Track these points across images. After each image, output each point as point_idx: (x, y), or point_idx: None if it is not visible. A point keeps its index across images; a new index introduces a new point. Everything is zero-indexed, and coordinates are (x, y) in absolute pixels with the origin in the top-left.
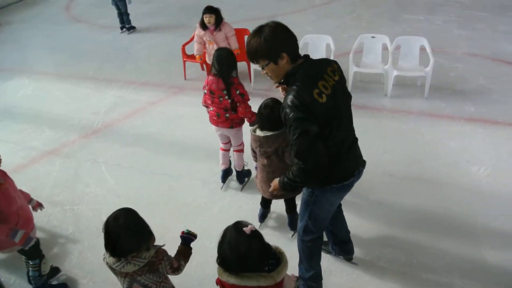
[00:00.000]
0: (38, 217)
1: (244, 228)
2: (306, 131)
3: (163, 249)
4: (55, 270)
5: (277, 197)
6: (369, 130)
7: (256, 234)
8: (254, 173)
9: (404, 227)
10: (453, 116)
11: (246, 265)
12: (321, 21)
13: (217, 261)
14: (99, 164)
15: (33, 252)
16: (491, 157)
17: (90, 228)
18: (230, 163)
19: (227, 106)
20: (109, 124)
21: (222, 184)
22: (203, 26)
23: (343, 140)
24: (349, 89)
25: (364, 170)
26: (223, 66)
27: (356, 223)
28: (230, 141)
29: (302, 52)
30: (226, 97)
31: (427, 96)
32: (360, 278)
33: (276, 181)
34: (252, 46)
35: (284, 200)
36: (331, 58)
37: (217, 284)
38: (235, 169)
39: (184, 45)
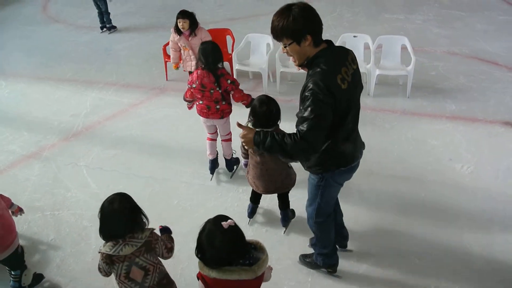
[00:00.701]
0: (17, 223)
1: (222, 223)
2: (322, 116)
3: (153, 230)
4: (39, 277)
5: (271, 192)
6: None
7: (233, 229)
8: (241, 169)
9: (390, 225)
10: (435, 114)
11: (222, 258)
12: None
13: (196, 253)
14: (80, 168)
15: (15, 262)
16: (473, 154)
17: (72, 234)
18: (217, 154)
19: (218, 97)
20: (89, 126)
21: (211, 175)
22: (178, 31)
23: (353, 127)
24: None
25: None
26: (209, 59)
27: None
28: (216, 131)
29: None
30: (217, 89)
31: (409, 95)
32: (347, 278)
33: (249, 133)
34: (279, 24)
35: (278, 197)
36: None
37: (198, 279)
38: (224, 158)
39: (165, 46)
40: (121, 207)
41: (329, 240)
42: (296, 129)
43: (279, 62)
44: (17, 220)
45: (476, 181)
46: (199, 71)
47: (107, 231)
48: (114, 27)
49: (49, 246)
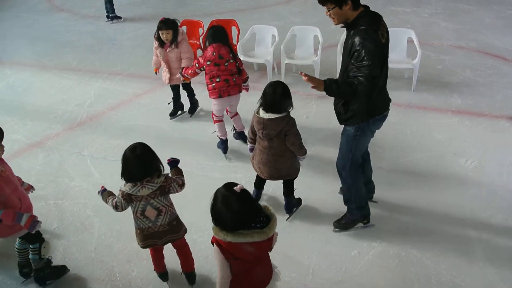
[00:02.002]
0: None
1: (234, 188)
2: (376, 62)
3: (168, 175)
4: (62, 269)
5: (275, 178)
6: None
7: (246, 192)
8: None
9: (392, 219)
10: (440, 109)
11: (240, 221)
12: (308, 13)
13: (212, 221)
14: (84, 158)
15: (34, 235)
16: (477, 149)
17: (75, 223)
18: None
19: (233, 70)
20: (94, 116)
21: (224, 156)
22: (159, 40)
23: (385, 80)
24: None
25: None
26: (222, 35)
27: None
28: (223, 113)
29: (289, 43)
30: (232, 61)
31: (414, 89)
32: (349, 271)
33: (317, 80)
34: None
35: (283, 183)
36: (319, 50)
37: (212, 243)
38: (237, 131)
39: None
40: (140, 154)
41: (361, 191)
42: (354, 77)
43: (284, 53)
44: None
45: (480, 176)
46: (213, 45)
47: (127, 174)
48: (118, 17)
49: (52, 234)
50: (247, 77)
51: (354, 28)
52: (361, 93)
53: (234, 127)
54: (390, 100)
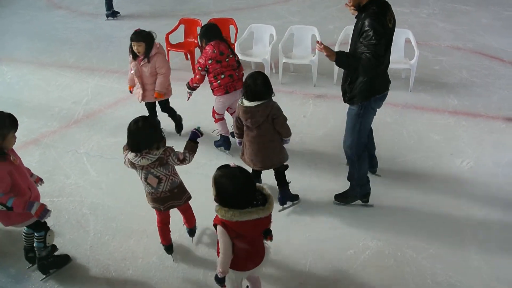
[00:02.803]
0: None
1: (231, 165)
2: (382, 42)
3: (170, 147)
4: (65, 259)
5: (268, 167)
6: None
7: (241, 168)
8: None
9: (389, 219)
10: (437, 109)
11: (247, 193)
12: (306, 12)
13: (219, 204)
14: (80, 155)
15: (39, 224)
16: (474, 150)
17: (71, 221)
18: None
19: (234, 64)
20: (91, 114)
21: (226, 152)
22: (133, 53)
23: (388, 62)
24: (334, 81)
25: None
26: (217, 33)
27: (340, 215)
28: (224, 112)
29: (287, 42)
30: (231, 55)
31: (411, 89)
32: (345, 271)
33: (331, 50)
34: None
35: (276, 175)
36: (317, 50)
37: (215, 227)
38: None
39: (167, 34)
40: (143, 126)
41: (365, 170)
42: (362, 53)
43: (282, 53)
44: None
45: (475, 177)
46: (211, 43)
47: (129, 145)
48: (113, 16)
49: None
50: (243, 74)
51: (365, 11)
52: (367, 68)
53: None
54: (390, 81)
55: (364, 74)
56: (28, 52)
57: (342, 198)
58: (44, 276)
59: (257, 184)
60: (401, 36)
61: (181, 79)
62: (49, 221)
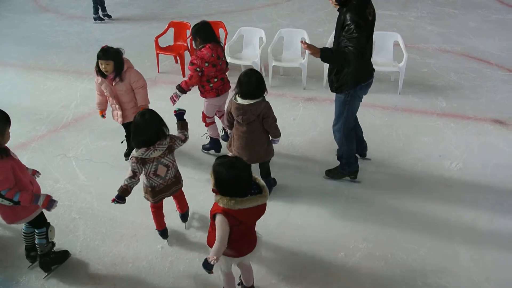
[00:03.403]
0: None
1: (229, 154)
2: (363, 35)
3: (172, 134)
4: (65, 254)
5: (254, 161)
6: None
7: (238, 157)
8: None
9: (379, 221)
10: (426, 111)
11: (244, 184)
12: (295, 15)
13: (220, 193)
14: (69, 159)
15: (40, 221)
16: (462, 151)
17: (60, 225)
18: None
19: (224, 67)
20: (79, 117)
21: (217, 152)
22: (100, 73)
23: (370, 52)
24: (324, 84)
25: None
26: (212, 33)
27: (331, 218)
28: (214, 114)
29: (276, 45)
30: (224, 58)
31: (400, 91)
32: (336, 273)
33: (315, 48)
34: None
35: (260, 166)
36: (306, 52)
37: (214, 217)
38: (226, 131)
39: (157, 37)
40: (151, 118)
41: (352, 150)
42: (345, 47)
43: (272, 56)
44: None
45: (464, 178)
46: (208, 45)
47: (139, 140)
48: (101, 19)
49: None
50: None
51: (346, 5)
52: (351, 60)
53: (223, 128)
54: (373, 70)
55: (349, 66)
56: (15, 55)
57: (332, 174)
58: (46, 273)
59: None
60: (389, 39)
61: (171, 82)
62: None
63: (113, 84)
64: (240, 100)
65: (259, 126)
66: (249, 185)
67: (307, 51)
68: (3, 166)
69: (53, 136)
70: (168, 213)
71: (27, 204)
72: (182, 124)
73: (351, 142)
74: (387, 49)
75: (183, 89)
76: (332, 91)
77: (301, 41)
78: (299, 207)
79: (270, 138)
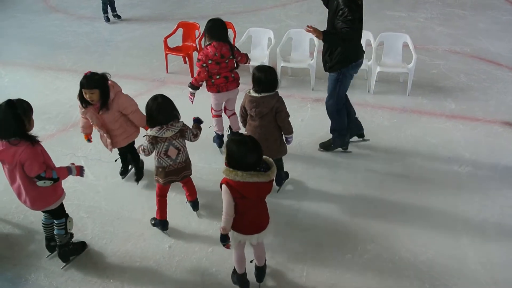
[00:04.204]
0: (14, 213)
1: (239, 132)
2: (357, 17)
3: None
4: (82, 245)
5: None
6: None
7: (251, 136)
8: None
9: (386, 223)
10: (435, 113)
11: (250, 160)
12: (304, 16)
13: (226, 163)
14: (78, 159)
15: (59, 212)
16: (471, 154)
17: None
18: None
19: (233, 66)
20: None
21: (219, 150)
22: (82, 100)
23: (360, 34)
24: None
25: (347, 165)
26: (222, 31)
27: (339, 219)
28: (222, 108)
29: (285, 46)
30: (231, 57)
31: (409, 93)
32: (342, 275)
33: (318, 31)
34: None
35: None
36: (315, 53)
37: (220, 186)
38: (232, 130)
39: (166, 38)
40: (164, 101)
41: (344, 123)
42: (341, 28)
43: (280, 57)
44: (14, 210)
45: (473, 181)
46: (214, 44)
47: (153, 120)
48: (108, 20)
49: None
50: (247, 58)
51: None
52: (348, 39)
53: (230, 126)
54: (364, 51)
55: (344, 45)
56: (25, 55)
57: (326, 146)
58: (65, 264)
59: (263, 156)
60: (398, 40)
61: (180, 82)
62: None
63: (100, 113)
64: (253, 93)
65: (272, 120)
66: (258, 163)
67: (315, 52)
68: (37, 150)
69: (62, 135)
70: (174, 213)
71: (65, 177)
72: (197, 126)
73: (342, 116)
74: (396, 50)
75: (193, 86)
76: (326, 70)
77: (308, 26)
78: (307, 208)
79: (283, 136)
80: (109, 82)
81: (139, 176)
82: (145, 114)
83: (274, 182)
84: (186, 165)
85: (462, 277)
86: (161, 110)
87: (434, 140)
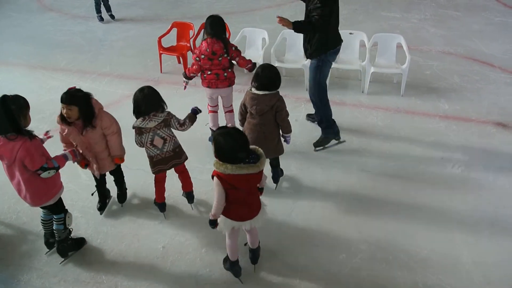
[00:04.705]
0: (6, 213)
1: (228, 125)
2: (328, 6)
3: (171, 112)
4: (81, 241)
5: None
6: (346, 126)
7: (241, 131)
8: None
9: (380, 223)
10: (428, 113)
11: (238, 152)
12: (298, 17)
13: (216, 157)
14: None
15: (59, 206)
16: (464, 154)
17: None
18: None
19: (226, 64)
20: None
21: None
22: (64, 120)
23: (336, 23)
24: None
25: (341, 165)
26: (219, 28)
27: (332, 219)
28: (217, 104)
29: (279, 46)
30: (225, 55)
31: (403, 93)
32: (336, 275)
33: (288, 21)
34: None
35: (270, 158)
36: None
37: (212, 178)
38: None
39: (160, 38)
40: (148, 92)
41: (329, 113)
42: (312, 16)
43: (274, 57)
44: (6, 210)
45: (466, 181)
46: (208, 39)
47: (137, 110)
48: (102, 19)
49: (38, 236)
50: (253, 64)
51: None
52: (317, 27)
53: (226, 124)
54: (341, 40)
55: (317, 32)
56: (19, 55)
57: (320, 143)
58: (63, 259)
59: (252, 147)
60: (392, 41)
61: (174, 82)
62: (39, 225)
63: (83, 134)
64: (255, 91)
65: (272, 119)
66: (244, 154)
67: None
68: (36, 144)
69: (56, 135)
70: (168, 214)
71: (63, 165)
72: (190, 115)
73: (326, 104)
74: (390, 51)
75: (186, 75)
76: (307, 57)
77: (277, 16)
78: (301, 208)
79: (281, 135)
80: (91, 98)
81: (122, 198)
82: (121, 144)
83: (271, 180)
84: (175, 154)
85: (456, 277)
86: (146, 101)
87: (428, 141)
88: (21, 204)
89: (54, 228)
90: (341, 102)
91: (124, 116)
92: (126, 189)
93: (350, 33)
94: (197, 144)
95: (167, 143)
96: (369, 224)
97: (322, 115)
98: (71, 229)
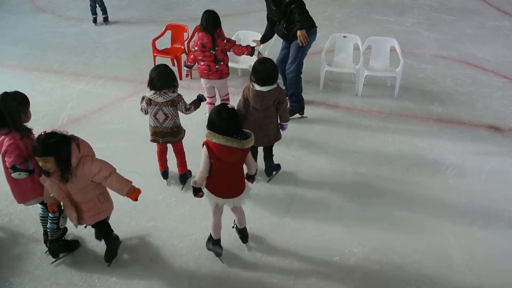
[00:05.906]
0: None
1: (228, 104)
2: (303, 4)
3: (181, 95)
4: (74, 244)
5: (263, 144)
6: (339, 129)
7: (234, 110)
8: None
9: (374, 225)
10: (422, 116)
11: (226, 126)
12: None
13: (207, 127)
14: None
15: None
16: (457, 157)
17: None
18: None
19: (219, 56)
20: (75, 119)
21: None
22: (43, 171)
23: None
24: (321, 88)
25: (335, 168)
26: (210, 22)
27: (326, 222)
28: (215, 95)
29: (274, 48)
30: (217, 48)
31: (396, 97)
32: (330, 277)
33: (303, 34)
34: None
35: (264, 150)
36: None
37: (203, 145)
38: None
39: (154, 40)
40: (163, 70)
41: (300, 89)
42: (302, 12)
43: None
44: None
45: (459, 184)
46: (200, 33)
47: (151, 84)
48: (96, 21)
49: (30, 239)
50: (251, 49)
51: None
52: (305, 13)
53: None
54: (315, 24)
55: (304, 17)
56: (12, 56)
57: (288, 115)
58: (54, 260)
59: (245, 130)
60: (386, 44)
61: None
62: (31, 228)
63: (66, 185)
64: (258, 87)
65: (274, 111)
66: (235, 130)
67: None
68: (19, 144)
69: None
70: (162, 217)
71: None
72: (196, 102)
73: (299, 82)
74: (384, 54)
75: (185, 64)
76: (289, 42)
77: (299, 42)
78: (294, 210)
79: (280, 123)
80: (76, 142)
81: (109, 256)
82: (125, 178)
83: (264, 173)
84: (171, 132)
85: (449, 280)
86: (159, 78)
87: (421, 144)
88: (13, 206)
89: (47, 226)
90: (334, 105)
91: (118, 119)
92: (120, 243)
93: (344, 36)
94: (190, 147)
95: (168, 120)
96: (362, 227)
97: (294, 89)
98: (66, 229)
